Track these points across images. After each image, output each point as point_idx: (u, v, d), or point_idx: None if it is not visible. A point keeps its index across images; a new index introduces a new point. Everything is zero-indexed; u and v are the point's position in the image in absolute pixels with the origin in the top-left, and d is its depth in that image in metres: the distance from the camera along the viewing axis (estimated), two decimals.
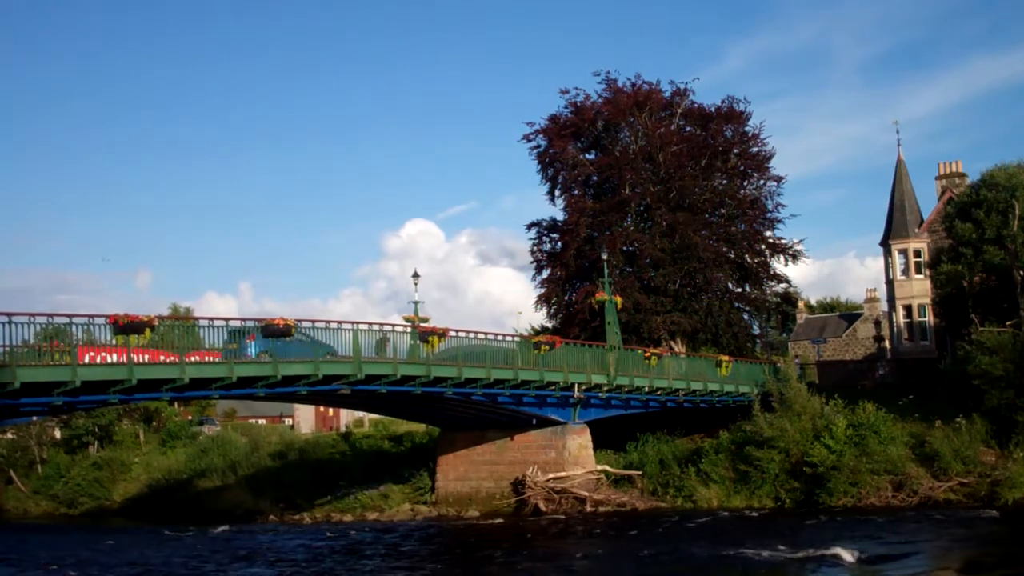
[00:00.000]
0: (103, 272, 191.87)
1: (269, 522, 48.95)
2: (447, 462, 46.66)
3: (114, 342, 29.72)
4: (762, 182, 61.31)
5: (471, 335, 40.89)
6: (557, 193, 62.36)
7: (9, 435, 68.84)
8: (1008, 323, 43.21)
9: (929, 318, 56.50)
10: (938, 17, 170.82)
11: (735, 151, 60.20)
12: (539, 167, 62.46)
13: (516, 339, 45.68)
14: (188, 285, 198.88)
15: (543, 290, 61.29)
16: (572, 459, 44.37)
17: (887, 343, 62.52)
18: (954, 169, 57.75)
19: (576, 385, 42.99)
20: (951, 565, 28.03)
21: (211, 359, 32.03)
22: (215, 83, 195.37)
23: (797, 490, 41.43)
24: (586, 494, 43.64)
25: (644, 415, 48.56)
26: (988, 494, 38.18)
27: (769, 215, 60.71)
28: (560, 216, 62.08)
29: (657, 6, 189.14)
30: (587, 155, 61.64)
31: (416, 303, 43.32)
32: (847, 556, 27.86)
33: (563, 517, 41.75)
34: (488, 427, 45.41)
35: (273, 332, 32.85)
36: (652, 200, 57.58)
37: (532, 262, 62.88)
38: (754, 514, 39.83)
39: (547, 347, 42.17)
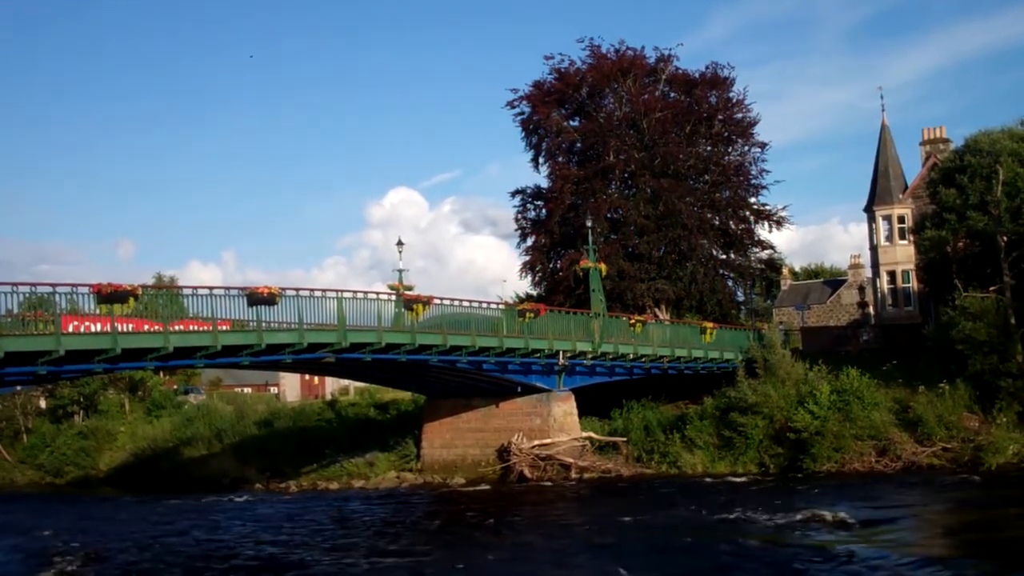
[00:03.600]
0: (85, 242, 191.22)
1: (255, 490, 49.00)
2: (433, 429, 46.73)
3: (98, 311, 29.60)
4: (746, 148, 61.31)
5: (456, 303, 40.89)
6: (541, 160, 62.19)
7: None
8: (992, 288, 43.31)
9: (913, 284, 56.66)
10: None
11: (719, 117, 60.10)
12: (523, 134, 62.24)
13: (501, 307, 45.69)
14: (171, 254, 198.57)
15: (527, 258, 61.24)
16: (557, 426, 44.47)
17: (871, 309, 62.71)
18: (938, 135, 57.77)
19: (561, 352, 43.05)
20: (934, 529, 28.23)
21: (196, 328, 31.94)
22: (196, 52, 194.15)
23: (781, 456, 41.61)
24: (571, 461, 43.78)
25: (629, 382, 48.68)
26: (971, 459, 38.37)
27: (753, 181, 60.74)
28: (544, 183, 61.96)
29: None
30: (571, 122, 61.44)
31: (400, 271, 43.24)
32: (831, 520, 28.06)
33: (548, 484, 41.91)
34: (473, 394, 45.48)
35: (258, 300, 32.80)
36: (636, 167, 57.47)
37: (516, 230, 62.79)
38: (739, 480, 40.01)
39: (532, 315, 42.19)
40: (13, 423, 68.09)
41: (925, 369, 44.02)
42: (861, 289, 68.72)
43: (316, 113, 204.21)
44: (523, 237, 62.27)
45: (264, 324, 33.23)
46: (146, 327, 30.84)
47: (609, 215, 57.47)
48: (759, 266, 62.67)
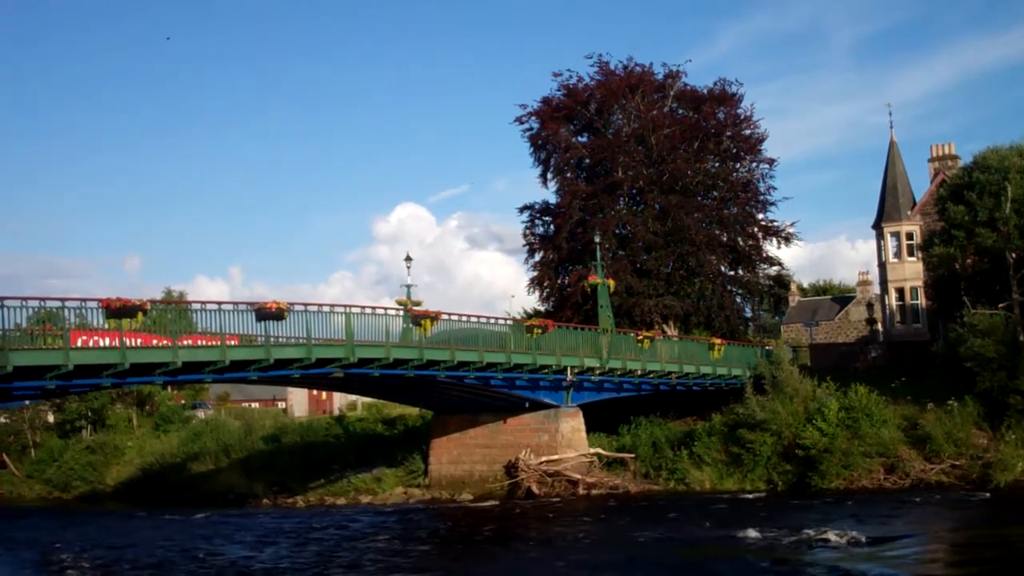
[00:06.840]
0: (93, 256, 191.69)
1: (262, 506, 49.01)
2: (440, 445, 46.70)
3: (107, 326, 29.69)
4: (754, 165, 61.32)
5: (463, 318, 40.92)
6: (550, 176, 62.23)
7: (2, 419, 69.05)
8: (1000, 305, 43.26)
9: (921, 301, 56.62)
10: None
11: (727, 133, 60.16)
12: (531, 150, 62.32)
13: (508, 322, 45.70)
14: (178, 270, 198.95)
15: (535, 273, 61.23)
16: (565, 442, 44.43)
17: (879, 326, 62.67)
18: (946, 151, 57.85)
19: (569, 368, 43.04)
20: (943, 547, 28.13)
21: (204, 343, 31.99)
22: (203, 66, 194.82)
23: (790, 473, 41.52)
24: (579, 477, 43.67)
25: (637, 398, 48.63)
26: (980, 476, 38.26)
27: (761, 198, 60.70)
28: (552, 199, 62.04)
29: None
30: (580, 138, 61.53)
31: (408, 286, 43.27)
32: (840, 538, 27.93)
33: (556, 500, 41.82)
34: (481, 410, 45.45)
35: (266, 315, 32.84)
36: (644, 183, 57.54)
37: (524, 245, 62.75)
38: (747, 497, 39.90)
39: (540, 330, 42.18)
40: (21, 437, 68.24)
41: (934, 386, 43.94)
42: (869, 306, 68.72)
43: (323, 128, 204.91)
44: (531, 252, 62.26)
45: (272, 339, 33.30)
46: (155, 342, 30.94)
47: (617, 231, 57.50)
48: (767, 282, 62.56)
